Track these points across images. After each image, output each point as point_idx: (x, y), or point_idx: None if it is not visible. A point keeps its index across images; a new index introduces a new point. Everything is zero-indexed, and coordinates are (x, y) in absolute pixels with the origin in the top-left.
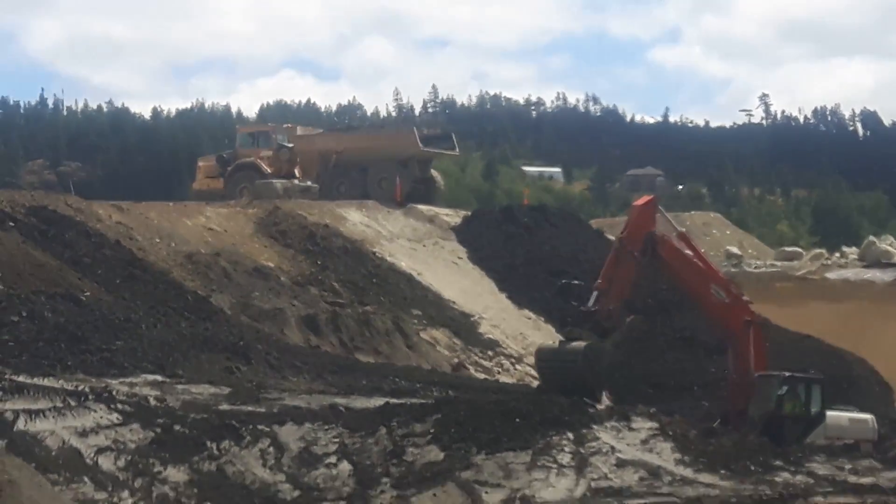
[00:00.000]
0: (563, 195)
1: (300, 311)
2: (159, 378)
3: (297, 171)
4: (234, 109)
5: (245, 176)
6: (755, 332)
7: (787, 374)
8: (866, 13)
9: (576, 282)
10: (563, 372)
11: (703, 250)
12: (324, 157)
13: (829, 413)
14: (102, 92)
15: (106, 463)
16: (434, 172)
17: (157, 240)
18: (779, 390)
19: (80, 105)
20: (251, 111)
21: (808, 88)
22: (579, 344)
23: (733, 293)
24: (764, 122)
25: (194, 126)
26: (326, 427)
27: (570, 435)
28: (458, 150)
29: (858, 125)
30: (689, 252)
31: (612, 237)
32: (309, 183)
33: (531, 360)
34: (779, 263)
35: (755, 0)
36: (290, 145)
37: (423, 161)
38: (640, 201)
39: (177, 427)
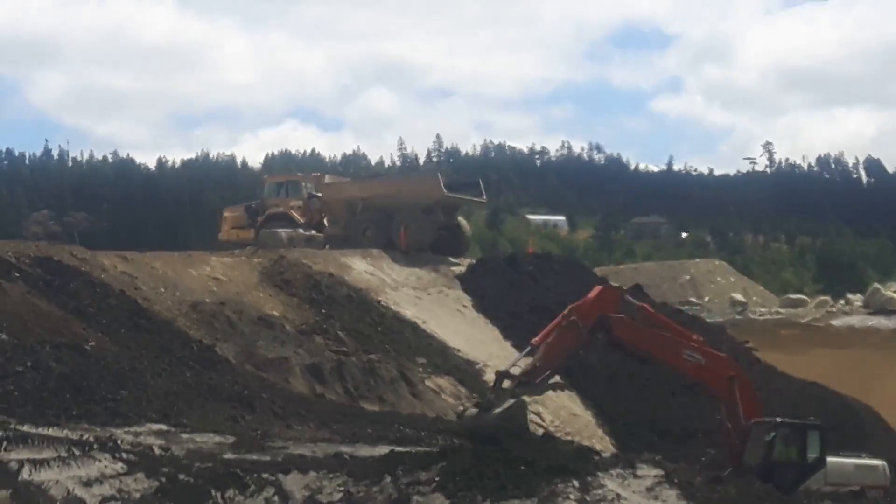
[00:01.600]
0: (568, 243)
1: (305, 359)
2: (164, 427)
3: (325, 220)
4: (238, 160)
5: (277, 226)
6: (741, 386)
7: (778, 420)
8: (867, 63)
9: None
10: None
11: (665, 318)
12: (350, 204)
13: (831, 459)
14: (107, 143)
15: None
16: (461, 220)
17: (162, 289)
18: (768, 437)
19: (86, 156)
20: (256, 161)
21: (809, 137)
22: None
23: (709, 353)
24: (768, 169)
25: (199, 176)
26: (331, 475)
27: (576, 482)
28: (485, 196)
29: (862, 172)
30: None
31: (615, 283)
32: (313, 232)
33: (536, 407)
34: (783, 311)
35: (756, 50)
36: (320, 194)
37: (448, 208)
38: (604, 289)
39: (181, 476)
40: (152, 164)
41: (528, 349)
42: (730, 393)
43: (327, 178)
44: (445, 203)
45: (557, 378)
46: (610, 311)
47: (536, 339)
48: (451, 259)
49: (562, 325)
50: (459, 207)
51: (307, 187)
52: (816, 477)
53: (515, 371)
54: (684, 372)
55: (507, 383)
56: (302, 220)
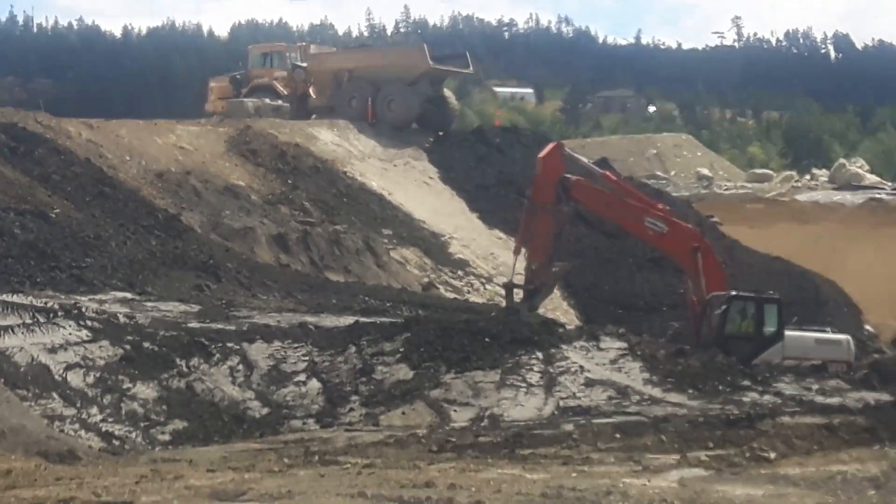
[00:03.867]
0: (535, 116)
1: (270, 229)
2: (129, 295)
3: (311, 91)
4: (205, 29)
5: (262, 97)
6: (705, 258)
7: (733, 293)
8: None
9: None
10: None
11: (629, 185)
12: (336, 75)
13: (790, 333)
14: (72, 10)
15: (75, 379)
16: (447, 92)
17: (128, 158)
18: (719, 310)
19: (51, 23)
20: (222, 30)
21: (777, 11)
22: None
23: (674, 223)
24: (736, 44)
25: (165, 45)
26: (296, 345)
27: (539, 354)
28: (472, 68)
29: (830, 48)
30: (613, 189)
31: (584, 158)
32: (280, 102)
33: (501, 279)
34: (749, 185)
35: None
36: (305, 65)
37: (434, 80)
38: (544, 151)
39: (146, 344)
40: (118, 32)
41: (515, 257)
42: (693, 264)
43: (313, 49)
44: (431, 75)
45: (558, 266)
46: (560, 170)
47: (515, 244)
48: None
49: (528, 215)
50: (445, 79)
51: (292, 58)
52: (773, 350)
53: (519, 280)
54: (646, 240)
55: (518, 295)
56: (286, 92)
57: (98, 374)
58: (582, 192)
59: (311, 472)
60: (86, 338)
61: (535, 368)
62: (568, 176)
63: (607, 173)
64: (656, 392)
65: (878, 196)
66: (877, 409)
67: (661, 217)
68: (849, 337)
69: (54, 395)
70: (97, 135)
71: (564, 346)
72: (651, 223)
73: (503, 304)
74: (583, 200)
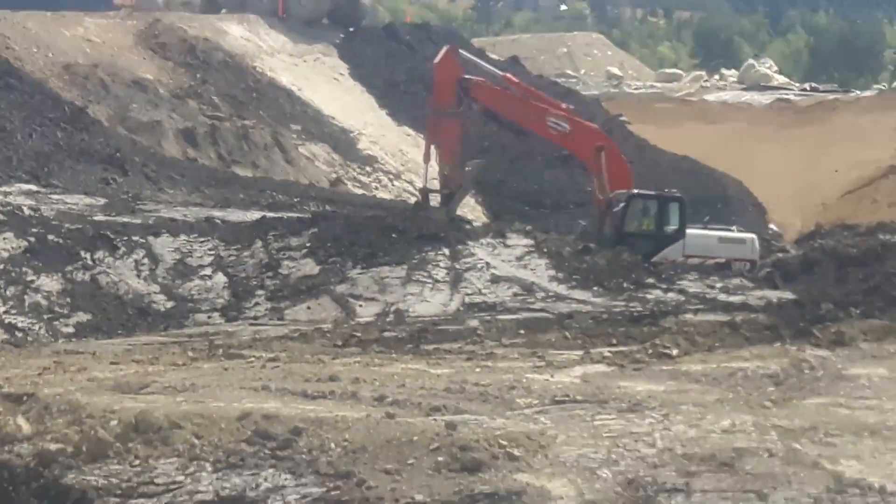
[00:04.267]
0: (447, 14)
1: (178, 123)
2: (34, 188)
3: None
4: None
5: None
6: (608, 155)
7: (633, 192)
8: None
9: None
10: None
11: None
12: None
13: (692, 231)
14: None
15: None
16: None
17: (35, 50)
18: (617, 208)
19: None
20: None
21: None
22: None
23: (575, 121)
24: None
25: None
26: (202, 239)
27: (446, 251)
28: None
29: None
30: (514, 89)
31: (494, 55)
32: None
33: (409, 176)
34: (659, 85)
35: None
36: None
37: None
38: (438, 57)
39: (51, 237)
40: None
41: (426, 165)
42: (597, 163)
43: None
44: None
45: (471, 165)
46: (457, 72)
47: (424, 151)
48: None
49: (433, 121)
50: None
51: None
52: (674, 248)
53: (435, 185)
54: (550, 140)
55: (435, 199)
56: None
57: (2, 266)
58: (481, 92)
59: (216, 366)
60: None
61: (442, 265)
62: (466, 77)
63: (508, 74)
64: (561, 289)
65: (785, 97)
66: (779, 308)
67: (564, 116)
68: (753, 236)
69: None
70: (4, 26)
71: (471, 243)
72: (554, 122)
73: (413, 202)
74: (483, 100)
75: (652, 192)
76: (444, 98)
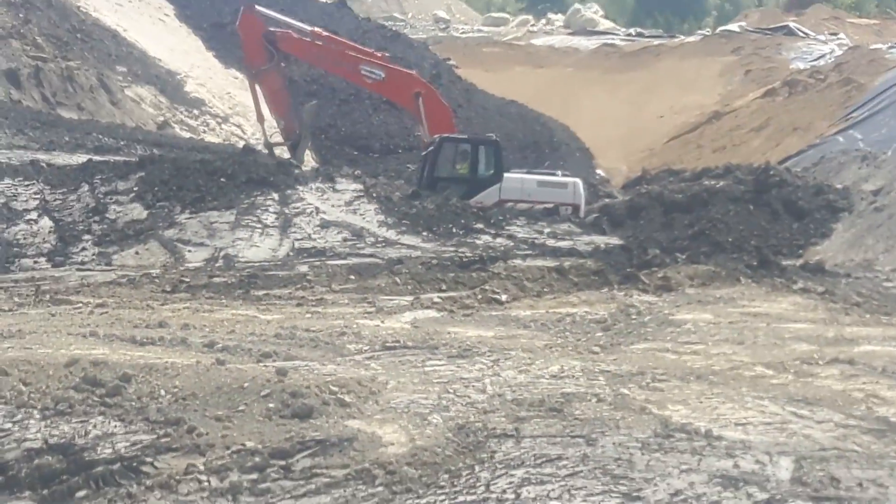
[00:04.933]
0: None
1: (1, 64)
2: None
3: None
4: None
5: None
6: (427, 100)
7: (444, 136)
8: None
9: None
10: None
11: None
12: None
13: (510, 175)
14: None
15: None
16: None
17: None
18: (426, 152)
19: None
20: None
21: None
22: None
23: (390, 68)
24: None
25: None
26: (27, 183)
27: (275, 195)
28: None
29: None
30: (319, 42)
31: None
32: None
33: (237, 120)
34: (486, 29)
35: None
36: None
37: None
38: (241, 18)
39: None
40: None
41: (262, 125)
42: (416, 108)
43: None
44: None
45: (303, 110)
46: (260, 29)
47: (256, 113)
48: None
49: (255, 83)
50: None
51: None
52: (490, 191)
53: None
54: (367, 88)
55: (277, 150)
56: None
57: None
58: (289, 44)
59: (43, 312)
60: None
61: (271, 209)
62: (271, 30)
63: (316, 29)
64: (391, 234)
65: (611, 42)
66: (606, 253)
67: (378, 64)
68: (576, 180)
69: None
70: None
71: (300, 188)
72: (368, 71)
73: (240, 144)
74: (293, 52)
75: (463, 136)
76: (255, 56)
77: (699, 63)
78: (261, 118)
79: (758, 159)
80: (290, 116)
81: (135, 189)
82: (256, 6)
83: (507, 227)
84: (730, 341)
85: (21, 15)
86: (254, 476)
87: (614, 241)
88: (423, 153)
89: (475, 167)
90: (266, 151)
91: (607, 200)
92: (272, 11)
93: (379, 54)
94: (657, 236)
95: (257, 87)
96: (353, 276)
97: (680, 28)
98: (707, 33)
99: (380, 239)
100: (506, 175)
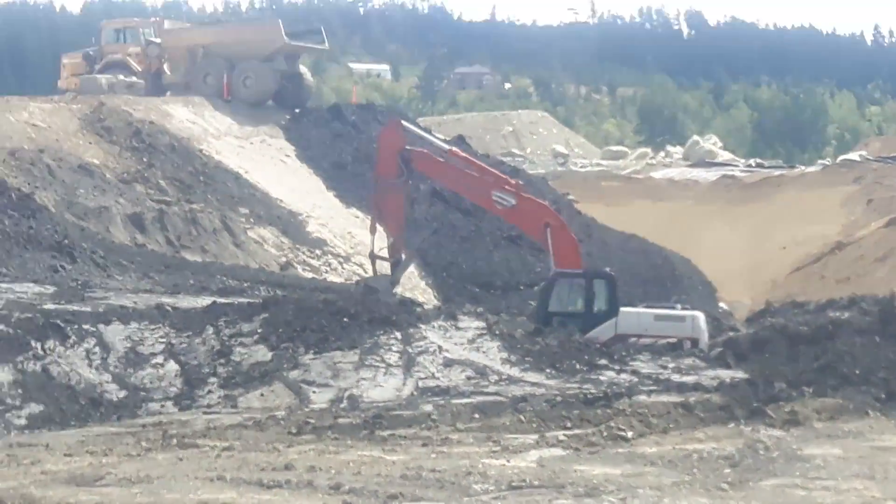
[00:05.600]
0: (392, 93)
1: (126, 209)
2: None
3: (166, 68)
4: (57, 5)
5: (115, 74)
6: (556, 233)
7: (557, 271)
8: None
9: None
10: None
11: (486, 154)
12: (191, 52)
13: (626, 309)
14: None
15: None
16: (303, 69)
17: None
18: (539, 287)
19: None
20: (75, 6)
21: None
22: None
23: (522, 196)
24: (590, 20)
25: (17, 20)
26: (153, 327)
27: (398, 334)
28: (327, 43)
29: (683, 24)
30: (458, 163)
31: (440, 135)
32: (134, 79)
33: (359, 259)
34: (605, 162)
35: None
36: (159, 41)
37: (290, 56)
38: (384, 128)
39: (0, 326)
40: None
41: (372, 236)
42: (543, 240)
43: (167, 24)
44: (287, 51)
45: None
46: (400, 144)
47: (370, 222)
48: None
49: (377, 193)
50: (301, 56)
51: (146, 33)
52: (605, 326)
53: (381, 252)
54: (497, 214)
55: (384, 267)
56: (140, 68)
57: None
58: (424, 163)
59: (170, 456)
60: None
61: (394, 349)
62: (409, 148)
63: (453, 148)
64: (514, 371)
65: (731, 173)
66: (732, 387)
67: (510, 191)
68: (696, 313)
69: None
70: None
71: (423, 326)
72: (499, 197)
73: (364, 276)
74: (426, 172)
75: (577, 271)
76: (387, 169)
77: (820, 193)
78: (373, 229)
79: (883, 290)
80: (400, 236)
81: (259, 331)
82: (403, 121)
83: (631, 363)
84: (860, 476)
85: (145, 159)
86: None
87: (739, 375)
88: (538, 288)
89: (590, 302)
90: (369, 258)
91: (731, 334)
92: (415, 127)
93: (513, 181)
94: (783, 370)
95: (377, 200)
96: (477, 415)
97: (800, 158)
98: (828, 163)
99: (503, 376)
100: (622, 309)
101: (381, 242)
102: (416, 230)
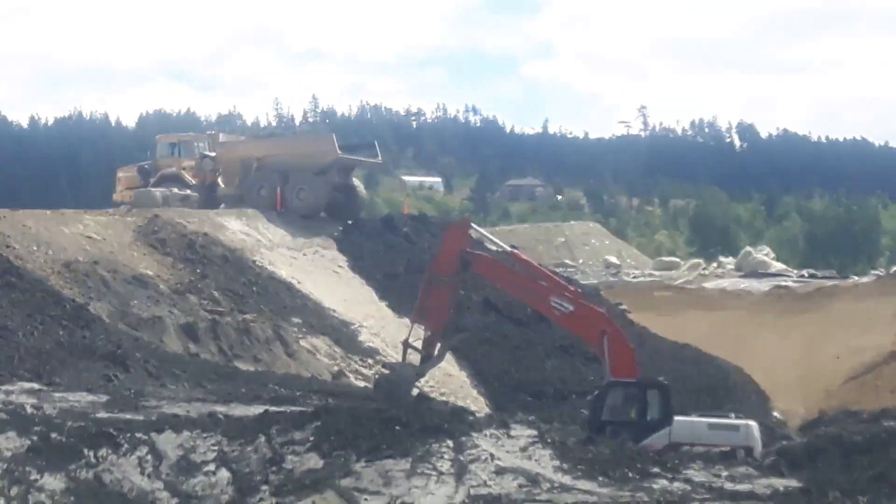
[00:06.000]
0: (444, 205)
1: (179, 319)
2: (36, 386)
3: (220, 180)
4: (112, 118)
5: (169, 187)
6: (613, 341)
7: (611, 380)
8: (735, 29)
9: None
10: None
11: (538, 264)
12: (245, 164)
13: (680, 418)
14: None
15: None
16: (356, 181)
17: (35, 248)
18: (592, 396)
19: None
20: (130, 120)
21: (682, 101)
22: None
23: (581, 304)
24: (642, 133)
25: (72, 135)
26: (205, 435)
27: (450, 442)
28: (380, 157)
29: (735, 137)
30: (518, 267)
31: (492, 247)
32: (188, 191)
33: None
34: (657, 273)
35: (624, 15)
36: (213, 154)
37: (343, 169)
38: (452, 226)
39: (54, 435)
40: (24, 122)
41: (412, 324)
42: (599, 348)
43: (221, 137)
44: (340, 164)
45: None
46: (464, 244)
47: (413, 312)
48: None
49: (427, 286)
50: (354, 168)
51: (200, 147)
52: (659, 435)
53: (416, 343)
54: (553, 320)
55: (410, 354)
56: (194, 181)
57: (5, 466)
58: (483, 266)
59: None
60: None
61: (446, 456)
62: (469, 250)
63: (516, 251)
64: (567, 479)
65: (783, 284)
66: (785, 496)
67: (569, 298)
68: (749, 422)
69: None
70: (4, 225)
71: (475, 434)
72: (557, 303)
73: (415, 392)
74: (485, 275)
75: (631, 380)
76: (445, 266)
77: (874, 303)
78: (414, 319)
79: None
80: (439, 333)
81: (311, 439)
82: (472, 223)
83: (684, 471)
84: None
85: (198, 270)
86: None
87: (793, 484)
88: (590, 397)
89: (643, 411)
90: (401, 345)
91: (784, 443)
92: (485, 231)
93: (571, 288)
94: (837, 479)
95: (426, 293)
96: None
97: (853, 269)
98: (881, 273)
99: (556, 485)
100: (676, 418)
101: (417, 334)
102: (455, 332)
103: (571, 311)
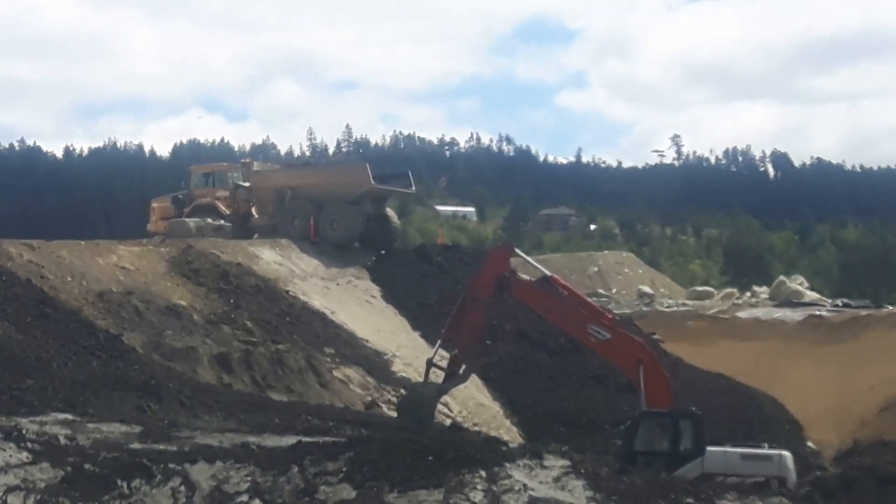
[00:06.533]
0: (477, 234)
1: (212, 349)
2: (70, 417)
3: (253, 210)
4: (146, 149)
5: (203, 217)
6: (649, 370)
7: (643, 409)
8: (768, 58)
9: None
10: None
11: (577, 290)
12: (279, 193)
13: (713, 448)
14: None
15: (15, 502)
16: (389, 211)
17: (69, 278)
18: (624, 426)
19: None
20: (164, 150)
21: (712, 131)
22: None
23: (619, 332)
24: (676, 162)
25: (107, 165)
26: (238, 465)
27: (483, 473)
28: (413, 187)
29: (769, 166)
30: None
31: (526, 276)
32: (222, 222)
33: (443, 398)
34: (690, 302)
35: (658, 45)
36: (247, 185)
37: (377, 198)
38: (496, 248)
39: (87, 466)
40: (59, 153)
41: (440, 342)
42: (635, 377)
43: (256, 166)
44: (374, 194)
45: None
46: (504, 267)
47: (444, 330)
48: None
49: (461, 306)
50: (388, 198)
51: (234, 177)
52: (692, 465)
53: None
54: (589, 347)
55: (434, 373)
56: (228, 211)
57: (38, 497)
58: (521, 290)
59: None
60: (26, 460)
61: (479, 487)
62: (507, 275)
63: (556, 277)
64: None
65: (818, 313)
66: None
67: (606, 325)
68: (783, 452)
69: None
70: (38, 255)
71: (508, 465)
72: (594, 330)
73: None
74: (522, 299)
75: (663, 410)
76: (482, 288)
77: None
78: (442, 337)
79: None
80: (466, 353)
81: (344, 469)
82: (516, 248)
83: (718, 502)
84: None
85: (231, 301)
86: None
87: None
88: (623, 427)
89: (676, 441)
90: (426, 363)
91: (819, 473)
92: (530, 258)
93: (609, 315)
94: None
95: (459, 312)
96: None
97: (888, 298)
98: None
99: None
100: (709, 448)
101: (443, 354)
102: (482, 354)
103: (609, 339)
